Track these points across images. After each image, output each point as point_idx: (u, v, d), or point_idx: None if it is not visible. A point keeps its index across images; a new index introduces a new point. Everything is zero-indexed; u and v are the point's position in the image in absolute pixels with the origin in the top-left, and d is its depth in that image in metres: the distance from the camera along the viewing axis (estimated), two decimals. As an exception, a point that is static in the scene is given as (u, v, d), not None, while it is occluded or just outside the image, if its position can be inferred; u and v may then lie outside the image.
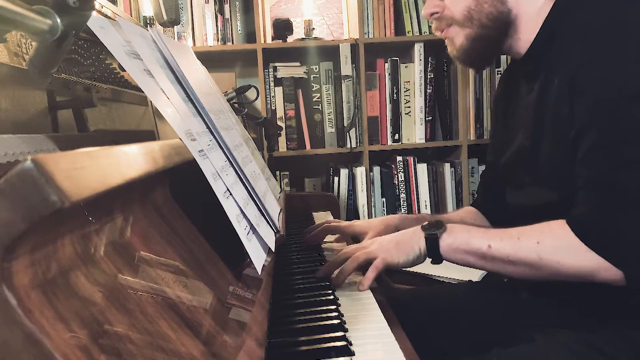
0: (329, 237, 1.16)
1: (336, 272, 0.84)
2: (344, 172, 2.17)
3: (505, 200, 0.98)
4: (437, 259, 0.82)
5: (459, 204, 2.21)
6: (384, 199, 2.19)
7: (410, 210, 2.17)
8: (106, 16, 0.83)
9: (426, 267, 1.72)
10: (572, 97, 0.74)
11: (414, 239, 0.83)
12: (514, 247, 0.76)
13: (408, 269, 1.71)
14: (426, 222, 0.85)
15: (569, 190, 0.76)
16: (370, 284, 0.81)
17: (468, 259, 0.80)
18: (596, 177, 0.71)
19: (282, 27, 2.16)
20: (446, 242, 0.81)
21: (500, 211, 1.01)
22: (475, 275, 1.63)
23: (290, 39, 2.17)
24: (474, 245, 0.79)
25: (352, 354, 0.58)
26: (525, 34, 0.85)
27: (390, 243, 0.84)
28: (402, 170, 2.17)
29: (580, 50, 0.74)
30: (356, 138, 2.14)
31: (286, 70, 2.11)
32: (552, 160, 0.80)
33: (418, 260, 0.83)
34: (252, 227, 0.62)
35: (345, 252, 0.86)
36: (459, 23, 0.86)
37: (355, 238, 1.10)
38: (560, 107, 0.76)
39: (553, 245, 0.73)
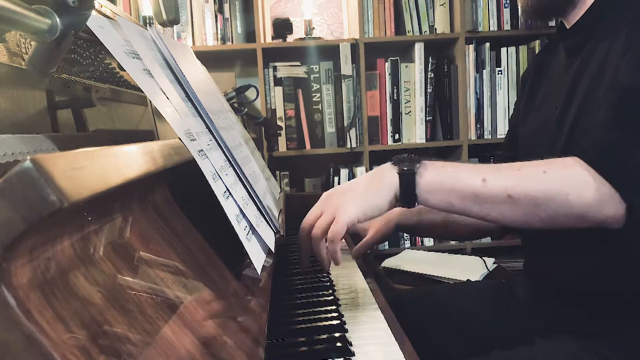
0: None
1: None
2: (344, 172, 2.17)
3: None
4: (410, 200, 0.68)
5: (459, 203, 2.21)
6: (384, 199, 2.19)
7: (410, 210, 2.17)
8: (105, 16, 0.83)
9: (426, 267, 1.73)
10: (618, 59, 0.70)
11: (382, 180, 0.68)
12: (516, 178, 0.65)
13: (408, 270, 1.72)
14: (397, 156, 0.70)
15: None
16: (340, 256, 0.70)
17: (452, 199, 0.67)
18: (619, 111, 0.66)
19: (282, 27, 2.16)
20: (426, 178, 0.67)
21: None
22: (476, 274, 1.64)
23: (290, 38, 2.17)
24: (464, 180, 0.66)
25: (352, 354, 0.58)
26: (584, 4, 0.81)
27: (348, 193, 0.70)
28: (402, 170, 2.17)
29: (633, 17, 0.71)
30: (356, 138, 2.14)
31: (286, 70, 2.11)
32: (575, 127, 0.77)
33: (388, 205, 0.68)
34: (251, 227, 0.62)
35: (302, 228, 0.73)
36: None
37: (356, 235, 1.09)
38: (600, 73, 0.73)
39: (562, 174, 0.65)
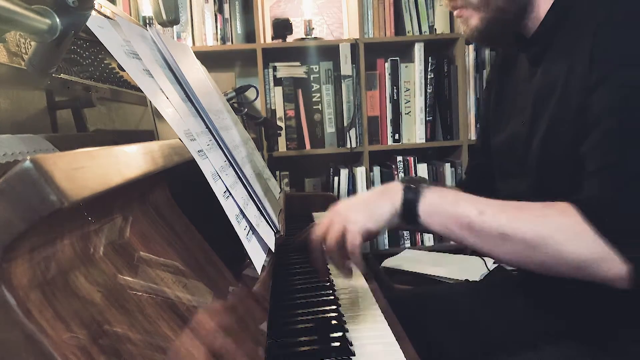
0: None
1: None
2: (344, 172, 2.17)
3: (492, 186, 0.98)
4: (413, 219, 0.69)
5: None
6: (384, 199, 2.19)
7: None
8: (105, 16, 0.83)
9: (426, 267, 1.73)
10: (589, 72, 0.67)
11: (388, 196, 0.71)
12: (512, 219, 0.65)
13: (408, 270, 1.72)
14: (408, 177, 0.76)
15: (554, 181, 0.74)
16: (359, 264, 0.70)
17: (450, 226, 0.68)
18: (613, 161, 0.63)
19: (282, 27, 2.16)
20: (429, 200, 0.69)
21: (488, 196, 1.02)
22: (476, 274, 1.64)
23: (290, 38, 2.17)
24: (462, 209, 0.67)
25: (352, 354, 0.58)
26: (540, 12, 0.79)
27: (358, 206, 0.71)
28: (402, 170, 2.17)
29: (595, 27, 0.67)
30: (356, 138, 2.14)
31: (286, 70, 2.11)
32: (545, 146, 0.75)
33: (391, 221, 0.70)
34: (251, 227, 0.62)
35: (313, 240, 0.73)
36: (474, 6, 0.80)
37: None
38: (566, 92, 0.71)
39: (559, 223, 0.62)
